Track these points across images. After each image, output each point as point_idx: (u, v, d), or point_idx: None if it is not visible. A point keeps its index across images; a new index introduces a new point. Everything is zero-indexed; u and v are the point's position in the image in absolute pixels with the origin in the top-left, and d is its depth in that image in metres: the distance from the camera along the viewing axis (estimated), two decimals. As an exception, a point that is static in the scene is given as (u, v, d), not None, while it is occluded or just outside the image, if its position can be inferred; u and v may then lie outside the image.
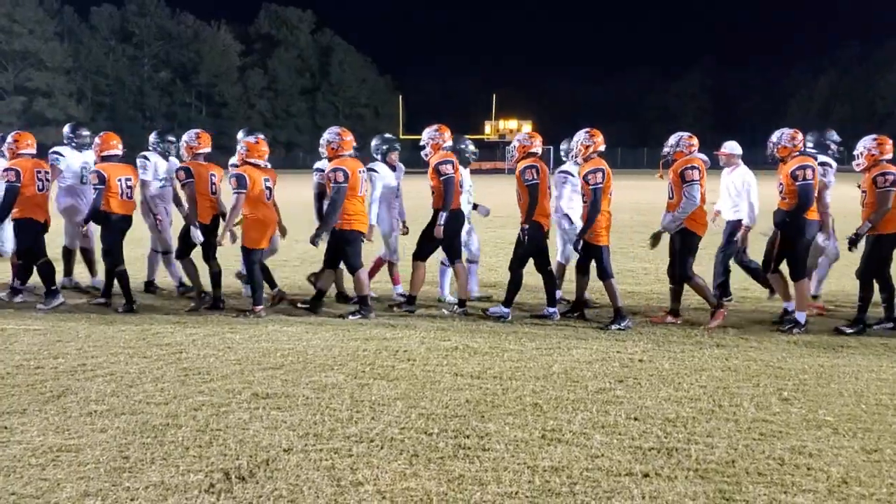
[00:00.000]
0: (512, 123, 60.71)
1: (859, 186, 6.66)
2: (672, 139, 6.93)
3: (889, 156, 6.68)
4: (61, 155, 8.13)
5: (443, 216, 7.02)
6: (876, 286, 6.57)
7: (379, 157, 7.73)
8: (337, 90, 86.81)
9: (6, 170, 7.35)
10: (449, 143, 7.43)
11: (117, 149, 7.52)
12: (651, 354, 5.66)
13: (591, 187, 6.64)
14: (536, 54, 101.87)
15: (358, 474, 3.45)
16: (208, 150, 7.70)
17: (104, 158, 7.42)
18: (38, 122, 60.89)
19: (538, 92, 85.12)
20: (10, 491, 3.27)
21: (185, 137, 7.69)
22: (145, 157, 8.07)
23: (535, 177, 6.82)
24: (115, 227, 7.35)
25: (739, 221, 7.36)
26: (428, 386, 4.81)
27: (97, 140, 7.54)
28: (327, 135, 7.22)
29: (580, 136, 6.97)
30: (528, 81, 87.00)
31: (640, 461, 3.64)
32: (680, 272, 6.72)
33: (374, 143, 7.88)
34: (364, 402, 4.48)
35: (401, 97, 62.29)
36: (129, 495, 3.24)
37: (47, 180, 7.68)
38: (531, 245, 6.94)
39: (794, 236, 6.58)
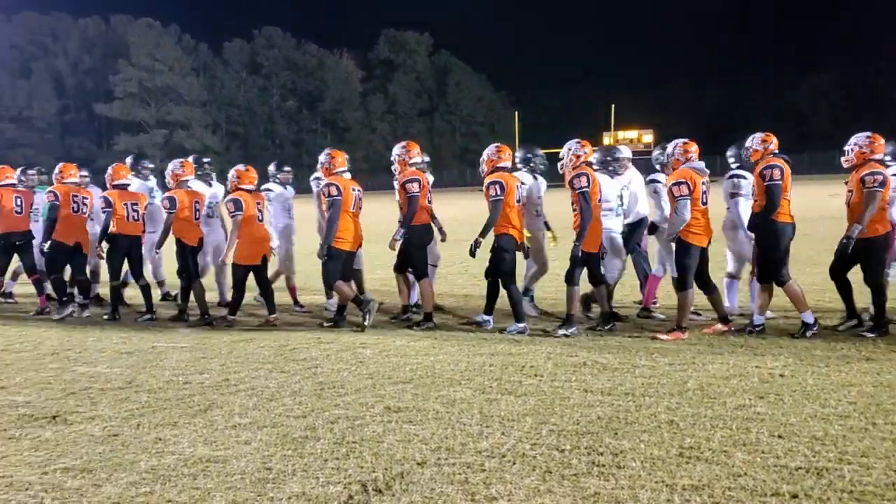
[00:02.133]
0: (632, 133, 59.60)
1: (846, 184, 6.51)
2: (669, 146, 6.99)
3: (880, 155, 6.47)
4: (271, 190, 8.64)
5: (400, 231, 7.34)
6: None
7: (523, 167, 7.76)
8: (454, 109, 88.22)
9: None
10: (416, 159, 7.69)
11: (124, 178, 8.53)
12: (793, 369, 5.36)
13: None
14: (655, 61, 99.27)
15: (492, 489, 3.45)
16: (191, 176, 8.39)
17: (115, 186, 8.38)
18: (178, 153, 65.01)
19: (658, 99, 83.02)
20: (166, 498, 3.48)
21: (170, 166, 8.35)
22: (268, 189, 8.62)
23: (499, 193, 6.94)
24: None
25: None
26: (557, 402, 4.76)
27: (234, 173, 8.09)
28: (322, 157, 7.72)
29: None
30: (648, 89, 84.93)
31: (787, 481, 3.45)
32: (677, 281, 6.68)
33: (518, 154, 7.91)
34: (493, 418, 4.48)
35: (517, 112, 62.38)
36: (273, 504, 3.38)
37: (84, 205, 8.70)
38: (509, 257, 7.07)
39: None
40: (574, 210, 6.90)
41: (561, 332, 6.76)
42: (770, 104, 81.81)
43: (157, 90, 72.57)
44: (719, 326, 6.75)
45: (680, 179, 6.56)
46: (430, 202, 7.78)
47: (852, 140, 6.58)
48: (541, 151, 8.00)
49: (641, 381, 5.17)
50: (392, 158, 7.79)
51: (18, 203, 9.14)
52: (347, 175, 7.65)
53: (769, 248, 6.55)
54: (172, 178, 8.25)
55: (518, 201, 7.11)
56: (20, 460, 4.02)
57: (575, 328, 6.80)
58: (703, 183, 6.64)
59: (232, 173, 8.03)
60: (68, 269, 8.85)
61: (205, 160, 8.71)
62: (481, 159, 7.41)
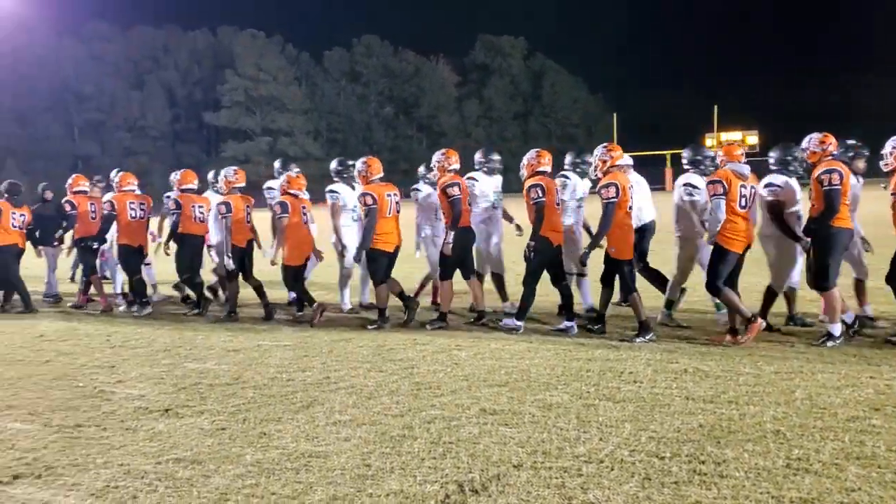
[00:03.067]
0: (736, 134, 57.53)
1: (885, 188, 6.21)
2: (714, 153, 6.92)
3: None
4: (337, 192, 8.94)
5: (450, 235, 7.46)
6: None
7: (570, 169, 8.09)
8: (549, 112, 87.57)
9: (173, 200, 9.11)
10: (455, 165, 7.82)
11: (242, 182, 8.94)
12: (912, 381, 5.07)
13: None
14: (758, 60, 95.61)
15: (589, 494, 3.41)
16: (243, 184, 8.92)
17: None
18: (281, 158, 67.37)
19: (763, 100, 79.97)
20: (270, 490, 3.60)
21: (223, 173, 9.02)
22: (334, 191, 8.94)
23: (540, 195, 7.00)
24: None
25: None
26: (657, 409, 4.66)
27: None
28: (359, 164, 8.12)
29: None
30: (752, 89, 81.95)
31: (907, 499, 3.26)
32: (708, 283, 6.56)
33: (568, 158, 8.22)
34: (591, 423, 4.42)
35: (615, 115, 61.34)
36: (372, 501, 3.44)
37: (142, 210, 9.45)
38: (540, 260, 7.11)
39: None
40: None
41: (638, 340, 6.65)
42: (884, 103, 77.54)
43: (262, 99, 75.25)
44: (728, 338, 6.51)
45: (715, 178, 6.45)
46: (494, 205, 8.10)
47: (889, 144, 6.30)
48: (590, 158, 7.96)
49: (745, 390, 5.00)
50: (432, 165, 8.02)
51: (92, 209, 9.91)
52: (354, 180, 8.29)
53: (825, 253, 6.28)
54: (225, 184, 8.85)
55: (558, 204, 7.24)
56: (136, 450, 4.25)
57: (652, 334, 6.71)
58: (743, 186, 6.42)
59: (283, 178, 8.62)
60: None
61: (349, 162, 8.92)
62: (521, 164, 7.51)
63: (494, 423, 4.46)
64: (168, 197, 9.73)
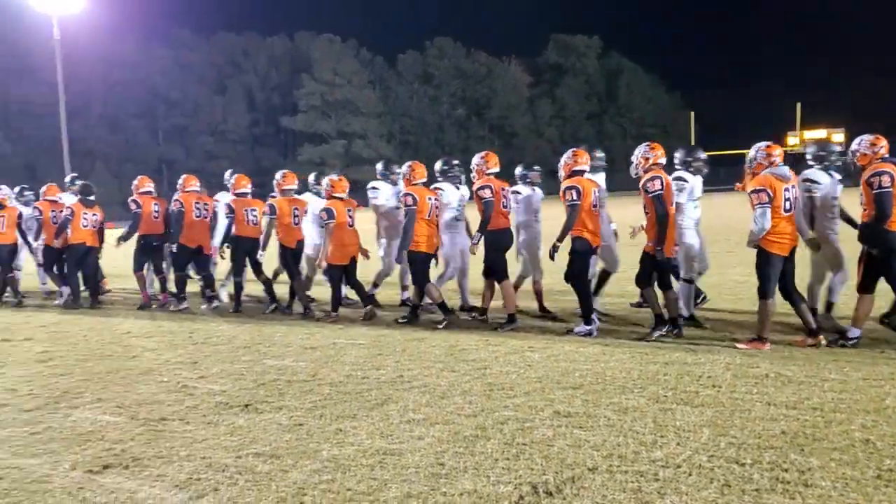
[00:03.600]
0: (820, 132, 55.43)
1: None
2: (752, 150, 6.61)
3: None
4: (377, 189, 9.24)
5: (478, 236, 7.69)
6: None
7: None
8: (624, 112, 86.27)
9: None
10: (494, 169, 7.97)
11: (293, 185, 9.37)
12: None
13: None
14: (845, 55, 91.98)
15: (666, 499, 3.35)
16: (294, 186, 9.34)
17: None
18: (356, 162, 68.59)
19: (849, 96, 76.79)
20: (346, 486, 3.66)
21: (277, 176, 9.40)
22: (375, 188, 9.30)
23: (575, 198, 7.01)
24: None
25: None
26: (737, 414, 4.53)
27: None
28: (404, 168, 8.41)
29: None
30: (838, 86, 78.84)
31: None
32: (759, 288, 6.36)
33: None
34: (668, 427, 4.33)
35: (692, 114, 59.91)
36: (446, 500, 3.46)
37: (206, 210, 9.94)
38: (582, 260, 7.16)
39: None
40: (647, 213, 6.88)
41: (656, 334, 6.78)
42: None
43: (337, 103, 76.53)
44: (808, 339, 6.35)
45: (759, 187, 6.24)
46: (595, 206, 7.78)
47: None
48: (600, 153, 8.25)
49: (831, 396, 4.81)
50: (472, 167, 8.15)
51: (156, 209, 10.30)
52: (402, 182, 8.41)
53: (885, 257, 6.12)
54: (277, 187, 9.31)
55: (594, 206, 7.20)
56: (217, 444, 4.38)
57: (663, 330, 6.84)
58: (787, 189, 6.27)
59: (326, 182, 8.97)
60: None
61: (454, 162, 9.01)
62: (559, 164, 7.50)
63: (568, 426, 4.42)
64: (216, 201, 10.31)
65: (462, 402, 5.01)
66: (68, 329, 8.73)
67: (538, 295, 8.41)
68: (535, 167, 8.67)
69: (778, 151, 6.47)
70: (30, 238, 11.02)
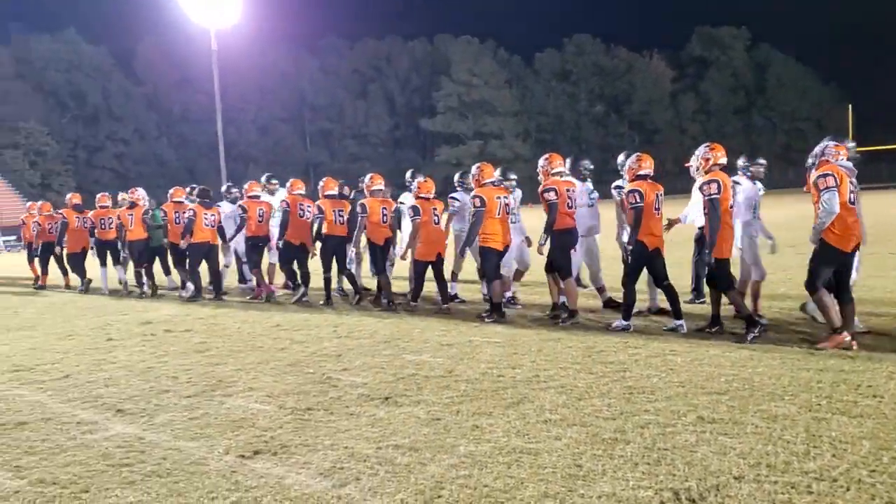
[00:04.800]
0: None
1: None
2: (817, 147, 6.57)
3: None
4: (456, 199, 9.98)
5: (544, 237, 7.98)
6: None
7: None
8: (774, 105, 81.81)
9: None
10: (559, 168, 8.19)
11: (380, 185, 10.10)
12: None
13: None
14: None
15: (821, 515, 3.15)
16: (381, 187, 9.99)
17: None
18: (491, 162, 68.74)
19: None
20: (482, 483, 3.68)
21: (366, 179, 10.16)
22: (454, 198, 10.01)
23: (638, 201, 7.21)
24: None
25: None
26: (903, 427, 4.19)
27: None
28: (473, 169, 8.82)
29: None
30: None
31: None
32: (806, 281, 6.36)
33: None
34: (822, 438, 4.07)
35: (850, 106, 55.93)
36: (583, 502, 3.40)
37: (309, 212, 10.63)
38: (637, 262, 7.37)
39: None
40: (705, 213, 6.91)
41: (750, 336, 6.67)
42: None
43: (474, 103, 77.30)
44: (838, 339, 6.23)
45: (826, 171, 6.21)
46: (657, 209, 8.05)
47: None
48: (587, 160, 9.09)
49: None
50: (537, 170, 8.33)
51: (260, 212, 11.22)
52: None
53: None
54: (366, 189, 10.06)
55: (657, 209, 7.35)
56: (359, 435, 4.52)
57: (757, 329, 6.70)
58: (851, 182, 6.24)
59: (414, 184, 9.75)
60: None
61: (584, 160, 9.03)
62: (623, 167, 7.84)
63: (713, 432, 4.24)
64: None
65: (600, 404, 4.93)
66: (224, 321, 9.30)
67: (755, 297, 7.87)
68: (760, 160, 8.19)
69: (844, 151, 6.43)
70: (228, 234, 11.94)
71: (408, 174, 10.81)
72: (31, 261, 15.41)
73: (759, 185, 8.05)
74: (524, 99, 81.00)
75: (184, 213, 11.66)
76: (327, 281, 10.41)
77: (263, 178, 12.20)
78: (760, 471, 3.63)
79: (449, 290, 9.66)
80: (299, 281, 10.89)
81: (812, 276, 6.32)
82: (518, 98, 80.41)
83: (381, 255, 9.81)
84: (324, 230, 10.34)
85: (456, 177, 10.26)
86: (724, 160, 7.01)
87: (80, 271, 13.80)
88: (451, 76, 77.24)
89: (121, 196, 13.31)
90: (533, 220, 9.08)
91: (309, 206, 10.69)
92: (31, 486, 3.94)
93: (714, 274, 6.99)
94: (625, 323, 7.43)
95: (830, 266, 6.27)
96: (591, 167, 9.14)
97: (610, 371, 5.80)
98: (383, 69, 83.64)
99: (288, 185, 11.06)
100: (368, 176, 10.18)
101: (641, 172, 7.46)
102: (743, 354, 6.14)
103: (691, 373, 5.63)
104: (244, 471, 4.01)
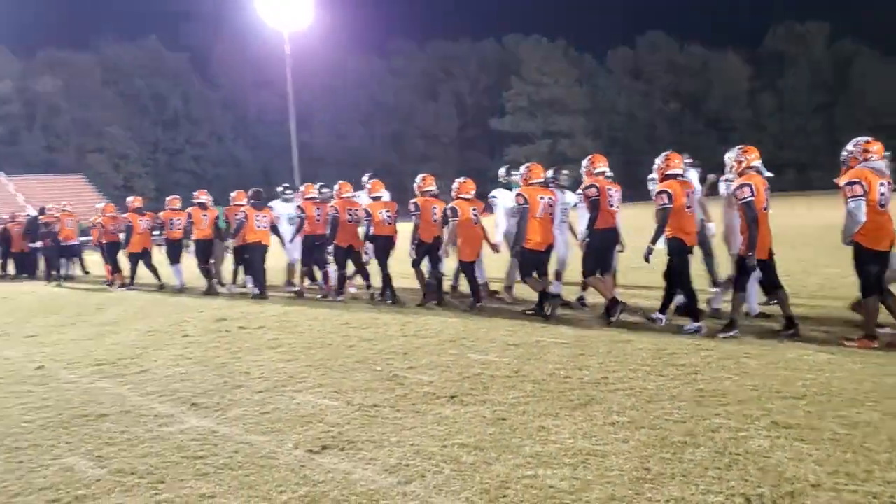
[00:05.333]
0: None
1: None
2: (848, 145, 6.51)
3: None
4: (496, 197, 10.05)
5: (585, 234, 8.15)
6: None
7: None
8: (858, 102, 78.55)
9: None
10: (600, 169, 8.32)
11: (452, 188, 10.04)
12: None
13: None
14: None
15: (904, 527, 3.01)
16: (433, 188, 10.20)
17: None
18: (560, 161, 68.00)
19: None
20: (548, 483, 3.65)
21: (417, 180, 10.37)
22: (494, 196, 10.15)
23: (667, 201, 7.29)
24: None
25: None
26: None
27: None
28: (522, 168, 8.95)
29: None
30: None
31: None
32: (861, 287, 6.34)
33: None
34: (908, 447, 3.89)
35: (947, 101, 53.18)
36: (650, 505, 3.35)
37: (356, 215, 10.96)
38: (679, 259, 7.44)
39: None
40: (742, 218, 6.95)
41: (721, 335, 6.85)
42: None
43: (544, 103, 76.76)
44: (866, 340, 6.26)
45: (853, 179, 6.20)
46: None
47: None
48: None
49: None
50: (581, 171, 8.51)
51: (318, 213, 11.60)
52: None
53: None
54: (417, 189, 10.23)
55: (688, 207, 7.43)
56: (425, 432, 4.55)
57: (736, 331, 6.88)
58: (881, 184, 6.20)
59: (455, 185, 9.79)
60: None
61: (688, 159, 8.86)
62: (653, 167, 7.84)
63: (788, 438, 4.10)
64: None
65: (670, 406, 4.82)
66: (295, 319, 9.49)
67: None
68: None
69: (876, 147, 6.33)
70: (287, 234, 12.33)
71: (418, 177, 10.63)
72: (106, 261, 16.15)
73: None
74: (595, 97, 79.92)
75: (237, 214, 12.17)
76: (387, 278, 10.57)
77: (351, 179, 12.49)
78: (839, 479, 3.50)
79: (552, 290, 9.29)
80: (328, 281, 11.44)
81: (863, 280, 6.31)
82: (589, 96, 79.43)
83: (426, 252, 10.03)
84: (372, 231, 10.60)
85: (501, 171, 10.34)
86: (757, 162, 7.07)
87: (134, 271, 14.57)
88: (520, 75, 76.88)
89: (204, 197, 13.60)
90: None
91: (356, 210, 11.05)
92: (111, 475, 4.10)
93: (742, 273, 6.99)
94: (696, 325, 7.30)
95: (874, 265, 6.26)
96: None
97: (681, 374, 5.67)
98: (453, 70, 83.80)
99: (336, 188, 11.42)
100: (421, 177, 10.44)
101: (670, 172, 7.52)
102: (821, 358, 5.92)
103: (766, 376, 5.46)
104: (312, 465, 4.08)
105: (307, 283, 12.11)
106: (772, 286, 7.13)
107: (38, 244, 17.65)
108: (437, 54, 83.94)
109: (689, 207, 7.46)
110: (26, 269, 19.53)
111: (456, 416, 4.83)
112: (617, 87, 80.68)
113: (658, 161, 7.73)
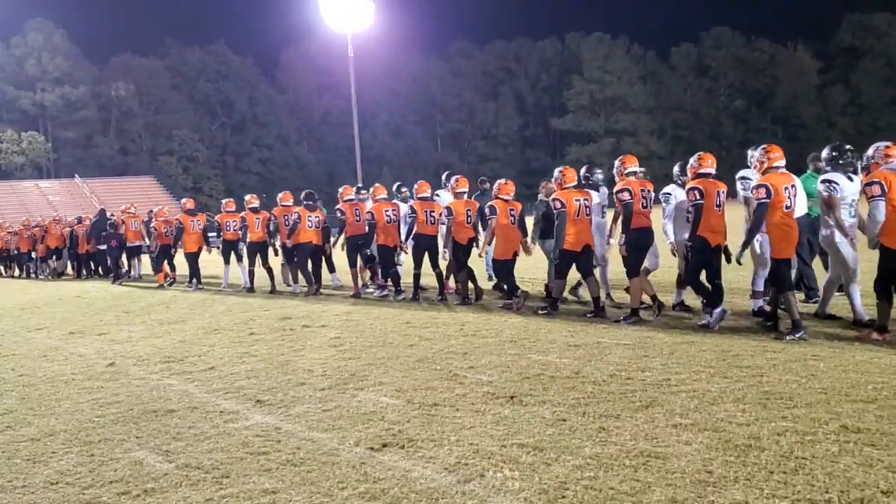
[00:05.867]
0: None
1: None
2: (871, 149, 6.69)
3: None
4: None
5: (622, 236, 8.16)
6: None
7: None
8: (936, 96, 75.42)
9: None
10: (631, 169, 8.38)
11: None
12: None
13: None
14: None
15: (981, 537, 2.89)
16: (465, 190, 10.67)
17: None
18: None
19: None
20: (608, 485, 3.63)
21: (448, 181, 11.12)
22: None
23: (698, 198, 7.39)
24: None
25: None
26: None
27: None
28: (556, 172, 9.15)
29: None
30: None
31: None
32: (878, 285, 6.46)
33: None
34: None
35: None
36: (713, 509, 3.30)
37: (395, 215, 11.42)
38: (699, 258, 7.57)
39: None
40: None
41: (788, 337, 6.73)
42: None
43: (606, 101, 76.00)
44: (875, 335, 6.41)
45: (873, 179, 6.28)
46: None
47: None
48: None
49: None
50: (613, 171, 8.58)
51: (356, 213, 11.97)
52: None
53: None
54: (451, 190, 10.69)
55: (718, 206, 7.54)
56: (484, 432, 4.57)
57: (802, 332, 6.74)
58: None
59: (495, 186, 10.06)
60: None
61: (846, 147, 8.56)
62: (686, 166, 8.02)
63: (858, 443, 3.98)
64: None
65: (734, 409, 4.73)
66: (358, 318, 9.63)
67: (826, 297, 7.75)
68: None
69: (894, 152, 6.46)
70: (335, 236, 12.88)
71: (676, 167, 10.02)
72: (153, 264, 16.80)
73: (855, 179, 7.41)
74: (659, 95, 78.77)
75: (291, 215, 12.71)
76: (416, 277, 11.02)
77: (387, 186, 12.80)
78: (913, 487, 3.39)
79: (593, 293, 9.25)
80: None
81: (883, 280, 6.42)
82: (653, 94, 78.30)
83: (463, 253, 10.40)
84: (415, 230, 10.84)
85: (582, 171, 10.14)
86: (780, 163, 7.05)
87: (195, 270, 15.05)
88: (582, 74, 76.23)
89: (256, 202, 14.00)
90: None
91: (395, 211, 11.48)
92: (179, 469, 4.24)
93: (777, 276, 7.02)
94: (718, 311, 7.42)
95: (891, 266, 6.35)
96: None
97: (745, 375, 5.56)
98: (513, 70, 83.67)
99: (371, 190, 11.89)
100: (454, 179, 10.70)
101: (702, 171, 7.63)
102: (893, 361, 5.72)
103: (835, 379, 5.31)
104: (372, 463, 4.14)
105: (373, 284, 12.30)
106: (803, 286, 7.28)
107: (103, 246, 18.27)
108: (498, 54, 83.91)
109: (718, 206, 7.55)
110: (93, 269, 20.37)
111: (515, 416, 4.84)
112: (681, 85, 79.25)
113: (692, 160, 7.82)
